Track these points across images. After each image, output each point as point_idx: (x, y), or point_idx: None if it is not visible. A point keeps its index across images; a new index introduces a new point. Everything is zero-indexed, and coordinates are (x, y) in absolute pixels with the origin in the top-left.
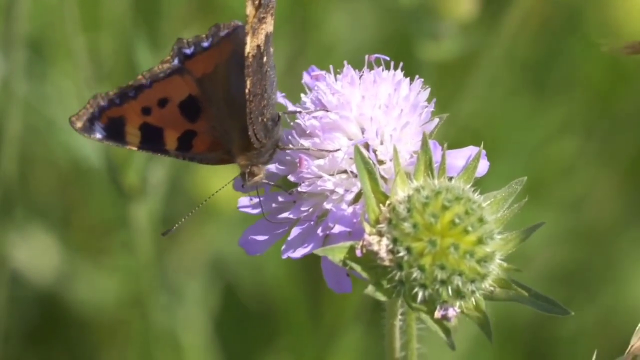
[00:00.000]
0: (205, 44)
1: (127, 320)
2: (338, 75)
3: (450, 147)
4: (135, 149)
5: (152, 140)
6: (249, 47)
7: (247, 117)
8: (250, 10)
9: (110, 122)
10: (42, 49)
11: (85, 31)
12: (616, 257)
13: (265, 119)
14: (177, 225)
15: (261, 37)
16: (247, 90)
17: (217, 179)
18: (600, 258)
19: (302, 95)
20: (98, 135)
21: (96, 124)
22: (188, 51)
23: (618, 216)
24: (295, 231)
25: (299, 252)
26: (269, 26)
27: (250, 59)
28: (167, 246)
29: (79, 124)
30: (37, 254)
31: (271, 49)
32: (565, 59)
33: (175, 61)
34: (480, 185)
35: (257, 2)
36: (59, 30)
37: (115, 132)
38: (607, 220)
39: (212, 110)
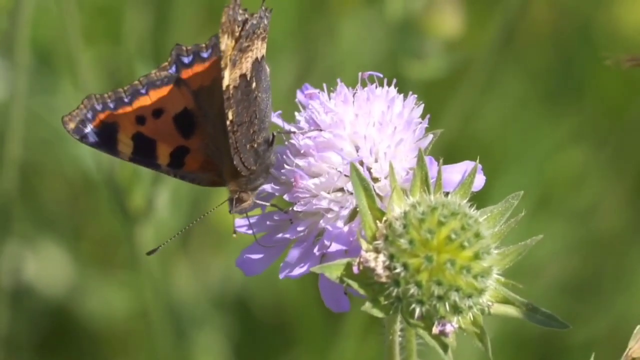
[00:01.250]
0: (204, 54)
1: (138, 333)
2: (332, 94)
3: (459, 158)
4: (126, 159)
5: (144, 152)
6: (228, 80)
7: (231, 148)
8: (226, 45)
9: (103, 127)
10: (53, 61)
11: (94, 42)
12: (627, 266)
13: (255, 145)
14: (162, 245)
15: (246, 66)
16: (228, 122)
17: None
18: (611, 267)
19: (297, 113)
20: (90, 140)
21: (89, 126)
22: (186, 59)
23: (628, 225)
24: (292, 251)
25: (297, 272)
26: (258, 52)
27: (231, 91)
28: (177, 266)
29: (71, 125)
30: (47, 266)
31: (264, 72)
32: (575, 69)
33: (173, 68)
34: (489, 195)
35: (237, 35)
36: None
37: (107, 138)
38: (617, 229)
39: (207, 127)
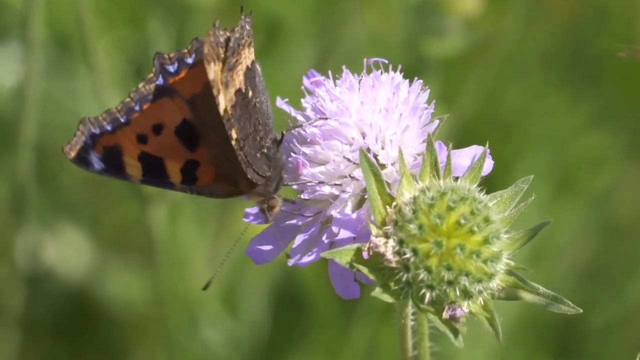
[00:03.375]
0: (188, 60)
1: (156, 317)
2: (338, 80)
3: (478, 141)
4: (138, 182)
5: (154, 172)
6: (224, 103)
7: (242, 164)
8: (214, 72)
9: (106, 152)
10: (72, 45)
11: (113, 27)
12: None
13: (265, 150)
14: (214, 275)
15: (239, 80)
16: (233, 142)
17: None
18: (629, 251)
19: (302, 100)
20: (96, 167)
21: (92, 154)
22: (171, 68)
23: None
24: (300, 238)
25: (306, 260)
26: (247, 60)
27: (230, 112)
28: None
29: (72, 154)
30: (66, 251)
31: (257, 74)
32: (593, 54)
33: (160, 79)
34: (510, 179)
35: (222, 56)
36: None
37: (113, 163)
38: (635, 213)
39: (210, 136)
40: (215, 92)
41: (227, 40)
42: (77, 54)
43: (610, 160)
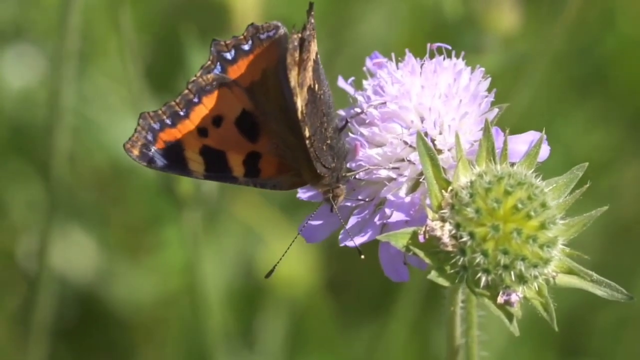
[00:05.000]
0: (245, 47)
1: (165, 319)
2: (400, 63)
3: None
4: (201, 178)
5: (217, 167)
6: (301, 107)
7: (313, 160)
8: (294, 79)
9: (167, 148)
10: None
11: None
12: None
13: (329, 141)
14: (277, 263)
15: (309, 76)
16: (306, 141)
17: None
18: (633, 250)
19: (364, 82)
20: (159, 164)
21: (153, 149)
22: (229, 55)
23: None
24: (352, 220)
25: (358, 241)
26: (312, 54)
27: (304, 112)
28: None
29: (135, 152)
30: (76, 253)
31: (320, 68)
32: (600, 53)
33: (217, 67)
34: None
35: (298, 59)
36: (97, 27)
37: (175, 158)
38: (637, 213)
39: (271, 125)
40: (294, 98)
41: (302, 41)
42: (85, 56)
43: (615, 159)
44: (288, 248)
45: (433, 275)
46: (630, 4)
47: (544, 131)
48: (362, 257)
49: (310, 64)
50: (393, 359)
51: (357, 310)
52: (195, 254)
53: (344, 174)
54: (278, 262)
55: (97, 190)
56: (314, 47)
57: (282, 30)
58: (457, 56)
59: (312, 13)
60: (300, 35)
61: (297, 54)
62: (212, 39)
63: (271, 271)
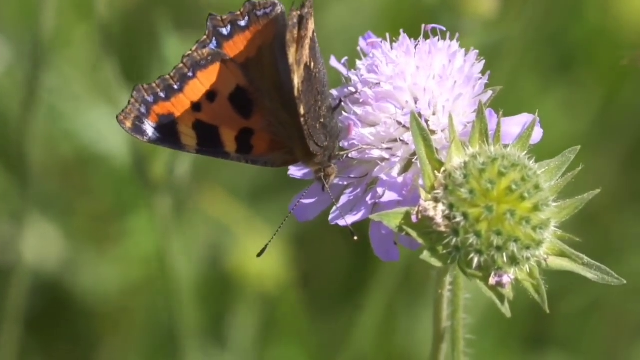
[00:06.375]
0: (242, 23)
1: (131, 308)
2: (394, 44)
3: None
4: (193, 152)
5: (209, 142)
6: (297, 84)
7: (306, 137)
8: (292, 56)
9: (161, 121)
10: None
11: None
12: (615, 238)
13: (322, 119)
14: (269, 242)
15: (306, 54)
16: (301, 119)
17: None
18: (599, 238)
19: (358, 61)
20: (152, 137)
21: (146, 122)
22: (225, 31)
23: (614, 197)
24: (344, 198)
25: (350, 219)
26: (310, 32)
27: (300, 90)
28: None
29: (128, 124)
30: (40, 242)
31: (317, 46)
32: (567, 42)
33: (213, 42)
34: None
35: (296, 36)
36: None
37: (168, 132)
38: (605, 200)
39: (264, 102)
40: (292, 75)
41: (301, 19)
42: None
43: (582, 146)
44: (280, 226)
45: (425, 255)
46: None
47: (537, 113)
48: (355, 238)
49: (308, 41)
50: (362, 348)
51: (328, 302)
52: (165, 240)
53: (336, 153)
54: (270, 242)
55: (62, 180)
56: (311, 25)
57: (279, 8)
58: (452, 38)
59: None
60: (299, 12)
61: (296, 31)
62: (183, 28)
63: (263, 249)
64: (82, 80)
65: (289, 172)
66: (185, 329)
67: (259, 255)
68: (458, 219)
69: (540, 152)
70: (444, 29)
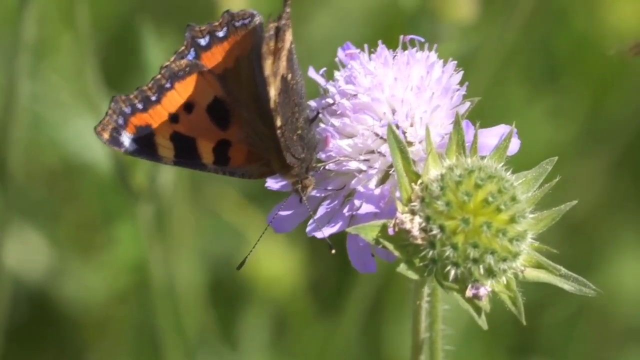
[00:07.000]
0: (220, 34)
1: (117, 317)
2: (372, 55)
3: None
4: (170, 164)
5: (186, 153)
6: (274, 96)
7: (281, 148)
8: (269, 68)
9: (138, 132)
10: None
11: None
12: (600, 245)
13: (299, 131)
14: (248, 254)
15: (283, 65)
16: (277, 131)
17: None
18: (585, 246)
19: (336, 72)
20: (129, 148)
21: (124, 134)
22: (203, 42)
23: (600, 205)
24: (321, 210)
25: (327, 232)
26: (287, 44)
27: (277, 102)
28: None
29: (105, 135)
30: (26, 251)
31: (294, 57)
32: (553, 50)
33: (191, 53)
34: None
35: (273, 48)
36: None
37: (145, 143)
38: (589, 208)
39: (242, 113)
40: (268, 87)
41: (277, 30)
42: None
43: (566, 154)
44: (259, 239)
45: (402, 268)
46: (582, 1)
47: (514, 125)
48: (333, 251)
49: (285, 53)
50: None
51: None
52: (148, 248)
53: (313, 165)
54: (249, 254)
55: (48, 188)
56: (288, 37)
57: (257, 19)
58: (430, 48)
59: (289, 2)
60: (276, 24)
61: (272, 43)
62: (169, 33)
63: (242, 263)
64: (69, 88)
65: (266, 184)
66: (170, 337)
67: (238, 268)
68: (434, 232)
69: (526, 161)
70: (423, 39)
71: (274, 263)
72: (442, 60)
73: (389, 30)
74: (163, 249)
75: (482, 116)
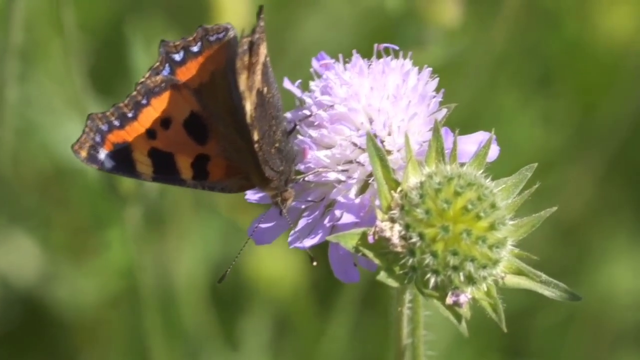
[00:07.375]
0: (194, 49)
1: (108, 321)
2: (347, 64)
3: None
4: (149, 180)
5: (164, 169)
6: (249, 110)
7: (261, 164)
8: (244, 83)
9: (116, 150)
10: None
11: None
12: (591, 250)
13: (277, 144)
14: (229, 269)
15: (258, 79)
16: (255, 145)
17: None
18: (576, 251)
19: (311, 83)
20: (107, 166)
21: (102, 151)
22: (177, 57)
23: (591, 209)
24: (302, 221)
25: (308, 243)
26: (262, 57)
27: (253, 114)
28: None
29: (83, 153)
30: (18, 255)
31: (270, 71)
32: (543, 55)
33: (166, 69)
34: None
35: (247, 62)
36: (39, 29)
37: (123, 160)
38: (580, 212)
39: (219, 128)
40: (243, 102)
41: (251, 45)
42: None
43: (558, 159)
44: (239, 253)
45: (382, 276)
46: (574, 6)
47: (493, 131)
48: (315, 263)
49: (259, 67)
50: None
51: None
52: (137, 252)
53: (292, 177)
54: (230, 268)
55: (39, 192)
56: (263, 50)
57: (231, 33)
58: (405, 56)
59: (262, 16)
60: (249, 38)
61: (246, 58)
62: (162, 35)
63: (223, 276)
64: (60, 92)
65: (246, 197)
66: (159, 341)
67: (219, 281)
68: (414, 239)
69: (518, 167)
70: (397, 47)
71: (275, 264)
72: (417, 68)
73: (379, 35)
74: (159, 251)
75: (473, 122)
